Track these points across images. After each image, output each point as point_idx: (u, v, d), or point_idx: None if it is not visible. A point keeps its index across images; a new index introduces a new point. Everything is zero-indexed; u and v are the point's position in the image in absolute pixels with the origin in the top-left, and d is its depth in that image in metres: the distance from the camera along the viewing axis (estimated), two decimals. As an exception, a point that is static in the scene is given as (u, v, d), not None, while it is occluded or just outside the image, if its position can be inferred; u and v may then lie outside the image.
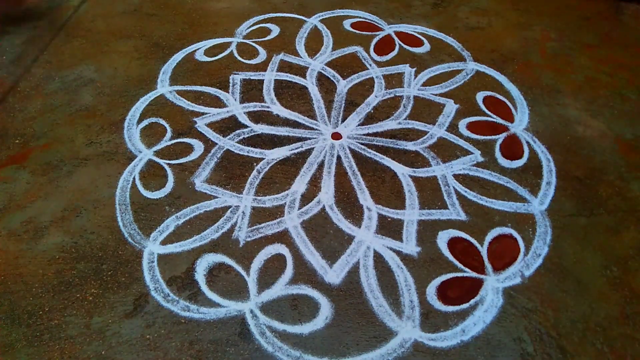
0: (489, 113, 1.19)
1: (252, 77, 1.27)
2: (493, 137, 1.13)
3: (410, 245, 0.92)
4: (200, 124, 1.13)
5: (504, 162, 1.08)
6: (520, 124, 1.17)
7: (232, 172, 1.03)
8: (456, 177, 1.04)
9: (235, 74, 1.27)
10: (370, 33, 1.43)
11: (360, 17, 1.49)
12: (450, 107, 1.20)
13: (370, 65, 1.32)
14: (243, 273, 0.87)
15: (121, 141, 1.09)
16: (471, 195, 1.01)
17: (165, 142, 1.09)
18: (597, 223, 0.97)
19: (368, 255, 0.90)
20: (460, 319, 0.82)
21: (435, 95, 1.24)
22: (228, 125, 1.13)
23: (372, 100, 1.22)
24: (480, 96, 1.23)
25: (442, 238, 0.93)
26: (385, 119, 1.17)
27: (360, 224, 0.95)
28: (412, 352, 0.78)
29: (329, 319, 0.81)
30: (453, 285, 0.87)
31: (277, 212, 0.96)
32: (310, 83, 1.26)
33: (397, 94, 1.24)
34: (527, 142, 1.12)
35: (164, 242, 0.91)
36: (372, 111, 1.19)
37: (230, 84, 1.24)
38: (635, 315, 0.83)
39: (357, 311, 0.82)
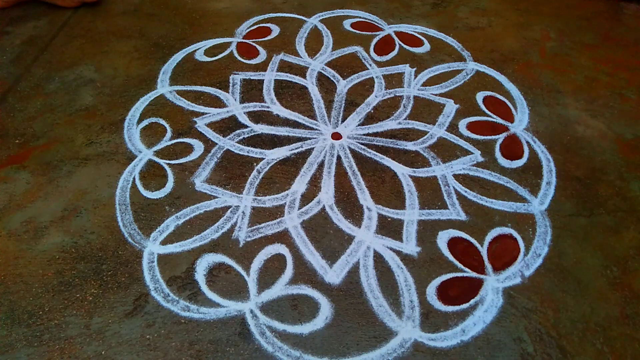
0: (489, 113, 1.19)
1: (252, 77, 1.27)
2: (493, 137, 1.13)
3: (410, 245, 0.92)
4: (200, 124, 1.13)
5: (504, 162, 1.08)
6: (520, 124, 1.17)
7: (232, 172, 1.03)
8: (456, 177, 1.04)
9: (235, 74, 1.27)
10: (370, 33, 1.43)
11: (360, 17, 1.49)
12: (450, 107, 1.20)
13: (370, 65, 1.32)
14: (243, 273, 0.87)
15: (121, 141, 1.09)
16: (471, 195, 1.00)
17: (165, 142, 1.09)
18: (597, 223, 0.97)
19: (368, 255, 0.90)
20: (460, 319, 0.82)
21: (435, 95, 1.23)
22: (228, 125, 1.13)
23: (372, 100, 1.22)
24: (480, 96, 1.23)
25: (442, 238, 0.93)
26: (385, 119, 1.17)
27: (360, 224, 0.95)
28: (412, 352, 0.78)
29: (329, 319, 0.81)
30: (453, 285, 0.86)
31: (277, 212, 0.96)
32: (310, 83, 1.25)
33: (397, 94, 1.23)
34: (527, 142, 1.12)
35: (164, 242, 0.91)
36: (372, 111, 1.19)
37: (230, 84, 1.24)
38: (635, 315, 0.83)
39: (357, 311, 0.82)
